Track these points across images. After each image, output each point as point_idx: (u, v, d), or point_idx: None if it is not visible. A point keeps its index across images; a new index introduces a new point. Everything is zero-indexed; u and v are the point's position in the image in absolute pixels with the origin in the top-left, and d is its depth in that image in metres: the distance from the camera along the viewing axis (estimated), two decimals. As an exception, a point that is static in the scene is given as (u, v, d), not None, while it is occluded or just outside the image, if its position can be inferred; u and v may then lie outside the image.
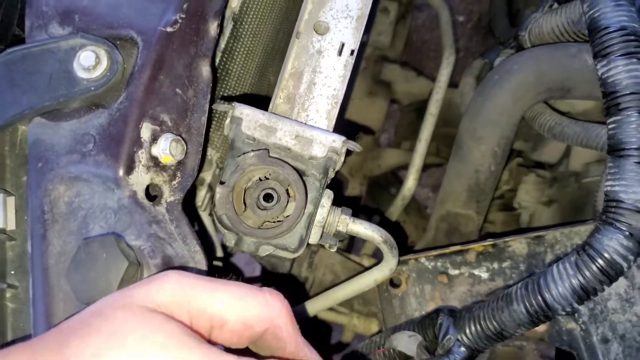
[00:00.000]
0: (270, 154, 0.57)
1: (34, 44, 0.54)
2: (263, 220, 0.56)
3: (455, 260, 0.78)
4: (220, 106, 0.57)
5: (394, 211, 1.20)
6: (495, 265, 0.78)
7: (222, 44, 0.71)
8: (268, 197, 0.55)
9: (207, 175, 0.76)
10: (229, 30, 0.72)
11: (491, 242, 0.78)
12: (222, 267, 0.68)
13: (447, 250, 0.78)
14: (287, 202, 0.56)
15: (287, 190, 0.56)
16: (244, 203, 0.56)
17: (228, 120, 0.58)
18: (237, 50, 0.76)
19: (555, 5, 0.92)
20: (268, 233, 0.55)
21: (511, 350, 0.76)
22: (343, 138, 0.58)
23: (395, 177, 1.53)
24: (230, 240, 0.56)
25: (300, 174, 0.57)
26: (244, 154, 0.56)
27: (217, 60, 0.70)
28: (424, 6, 2.02)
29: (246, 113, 0.58)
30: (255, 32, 0.80)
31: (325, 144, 0.58)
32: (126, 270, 0.44)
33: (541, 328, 0.76)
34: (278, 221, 0.56)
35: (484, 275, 0.78)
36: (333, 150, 0.58)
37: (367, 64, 1.39)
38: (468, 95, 1.00)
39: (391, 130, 1.67)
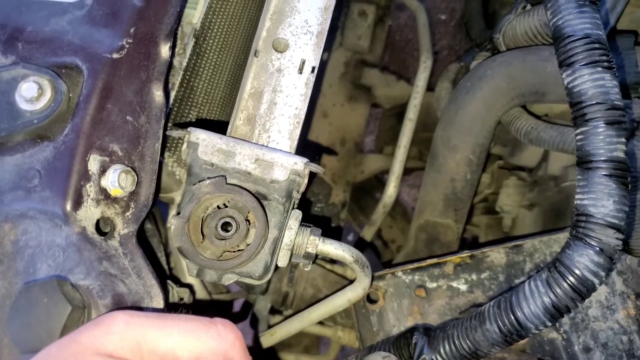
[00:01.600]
0: (230, 180, 0.55)
1: (-26, 76, 0.51)
2: (222, 250, 0.54)
3: (432, 273, 0.76)
4: (174, 132, 0.55)
5: (377, 218, 1.19)
6: (474, 276, 0.76)
7: (184, 63, 0.69)
8: (226, 226, 0.53)
9: (177, 195, 0.74)
10: (190, 47, 0.70)
11: (469, 254, 0.76)
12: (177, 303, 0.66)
13: (424, 264, 0.76)
14: (248, 229, 0.54)
15: (246, 217, 0.54)
16: (202, 233, 0.54)
17: (184, 146, 0.56)
18: (202, 66, 0.74)
19: (528, 6, 0.90)
20: (227, 264, 0.53)
21: (493, 363, 0.75)
22: (305, 160, 0.56)
23: (379, 182, 1.52)
24: (192, 271, 0.54)
25: (262, 199, 0.55)
26: (199, 181, 0.54)
27: (180, 79, 0.68)
28: (406, 6, 2.00)
29: (202, 138, 0.56)
30: (222, 47, 0.78)
31: (287, 167, 0.56)
32: (69, 316, 0.42)
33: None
34: (239, 250, 0.54)
35: (463, 287, 0.76)
36: (295, 173, 0.56)
37: (346, 69, 1.37)
38: (444, 100, 0.98)
39: (373, 135, 1.66)
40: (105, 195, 0.50)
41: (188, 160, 0.56)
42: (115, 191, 0.49)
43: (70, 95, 0.50)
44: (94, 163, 0.49)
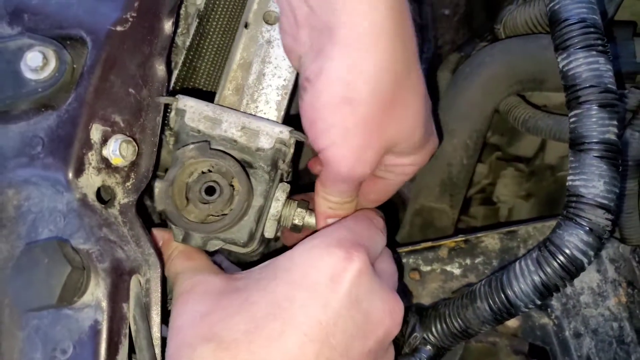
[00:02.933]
0: (216, 146, 0.56)
1: (-19, 45, 0.53)
2: (206, 214, 0.55)
3: (427, 257, 0.78)
4: (162, 98, 0.56)
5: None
6: (468, 261, 0.77)
7: (187, 42, 0.71)
8: (210, 191, 0.55)
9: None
10: (194, 27, 0.71)
11: (463, 238, 0.77)
12: None
13: (418, 247, 0.77)
14: (232, 195, 0.55)
15: (231, 183, 0.55)
16: (187, 198, 0.55)
17: (172, 113, 0.57)
18: (205, 47, 0.75)
19: (530, -3, 0.91)
20: (210, 227, 0.54)
21: (484, 347, 0.76)
22: (290, 128, 0.57)
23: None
24: (178, 236, 0.55)
25: (247, 167, 0.56)
26: (183, 146, 0.55)
27: (183, 58, 0.69)
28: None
29: (190, 105, 0.57)
30: (225, 30, 0.79)
31: (272, 135, 0.57)
32: (69, 275, 0.43)
33: (514, 324, 0.76)
34: (223, 214, 0.55)
35: (457, 271, 0.77)
36: (281, 142, 0.57)
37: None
38: (443, 88, 0.99)
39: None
40: (106, 165, 0.51)
41: (175, 128, 0.58)
42: (116, 160, 0.50)
43: (75, 66, 0.51)
44: (96, 132, 0.50)
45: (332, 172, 0.54)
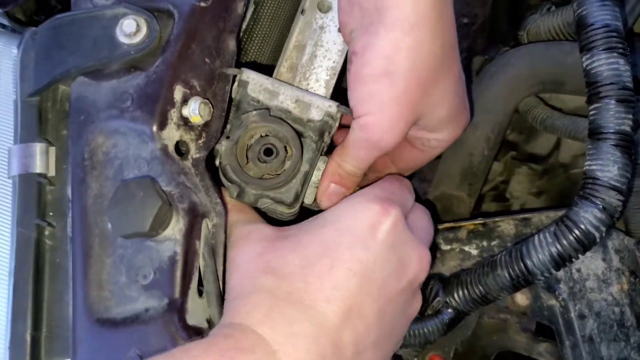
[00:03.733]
0: (272, 114, 0.63)
1: (80, 11, 0.60)
2: (263, 172, 0.62)
3: (447, 237, 0.84)
4: (230, 70, 0.63)
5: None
6: (485, 243, 0.84)
7: (244, 25, 0.78)
8: (268, 152, 0.62)
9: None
10: (250, 12, 0.78)
11: (482, 221, 0.84)
12: None
13: (440, 227, 0.84)
14: (285, 157, 0.62)
15: (285, 147, 0.62)
16: (247, 157, 0.63)
17: (236, 84, 0.65)
18: (256, 32, 0.83)
19: (553, 7, 0.99)
20: (266, 183, 0.62)
21: (496, 322, 0.83)
22: (337, 103, 0.65)
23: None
24: (233, 192, 0.62)
25: (299, 134, 0.63)
26: (247, 112, 0.62)
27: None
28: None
29: (252, 77, 0.64)
30: (273, 17, 0.86)
31: (322, 108, 0.64)
32: (160, 208, 0.50)
33: (524, 303, 0.82)
34: (276, 174, 0.63)
35: (474, 251, 0.84)
36: (329, 115, 0.64)
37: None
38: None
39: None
40: (184, 122, 0.58)
41: (237, 97, 0.65)
42: (194, 118, 0.57)
43: (162, 34, 0.59)
44: (178, 93, 0.57)
45: (362, 137, 0.61)
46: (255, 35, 0.83)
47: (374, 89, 0.58)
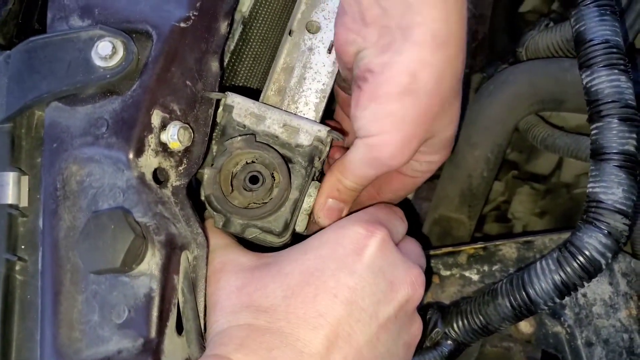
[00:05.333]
0: (258, 140, 0.60)
1: (55, 34, 0.57)
2: (249, 201, 0.59)
3: (447, 262, 0.81)
4: (213, 94, 0.61)
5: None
6: (486, 267, 0.81)
7: (232, 46, 0.75)
8: (254, 179, 0.59)
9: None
10: (239, 33, 0.76)
11: (482, 245, 0.81)
12: None
13: (439, 252, 0.81)
14: (272, 185, 0.59)
15: (272, 174, 0.59)
16: (231, 185, 0.60)
17: (221, 108, 0.62)
18: (246, 53, 0.80)
19: (551, 24, 0.96)
20: (252, 212, 0.59)
21: (499, 351, 0.79)
22: (328, 128, 0.62)
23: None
24: (219, 222, 0.59)
25: (287, 160, 0.60)
26: (231, 138, 0.59)
27: (226, 61, 0.74)
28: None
29: (237, 101, 0.62)
30: (264, 38, 0.84)
31: (311, 133, 0.61)
32: (132, 242, 0.47)
33: (528, 330, 0.79)
34: (263, 203, 0.60)
35: (475, 277, 0.81)
36: (318, 140, 0.61)
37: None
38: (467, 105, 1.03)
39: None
40: (163, 148, 0.55)
41: (222, 122, 0.62)
42: (173, 144, 0.55)
43: (139, 56, 0.56)
44: (156, 117, 0.55)
45: (369, 155, 0.59)
46: (245, 56, 0.80)
47: (393, 108, 0.55)
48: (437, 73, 0.54)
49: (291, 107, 0.69)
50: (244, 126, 0.61)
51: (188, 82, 0.58)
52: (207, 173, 0.59)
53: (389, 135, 0.56)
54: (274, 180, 0.60)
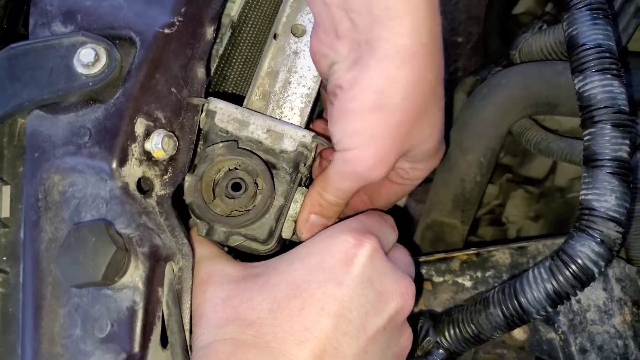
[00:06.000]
0: (242, 147, 0.59)
1: (36, 40, 0.56)
2: (231, 208, 0.58)
3: (439, 268, 0.80)
4: (195, 99, 0.59)
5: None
6: (479, 274, 0.79)
7: (220, 50, 0.74)
8: (236, 187, 0.58)
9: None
10: (227, 37, 0.75)
11: (475, 251, 0.80)
12: None
13: (431, 258, 0.80)
14: (255, 192, 0.58)
15: (255, 181, 0.58)
16: (214, 193, 0.59)
17: (203, 114, 0.61)
18: (235, 57, 0.79)
19: (545, 26, 0.96)
20: (234, 220, 0.57)
21: (492, 358, 0.78)
22: (312, 133, 0.61)
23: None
24: (202, 230, 0.58)
25: (271, 166, 0.59)
26: (213, 144, 0.58)
27: (215, 66, 0.73)
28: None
29: (220, 107, 0.61)
30: (254, 42, 0.83)
31: (295, 139, 0.60)
32: (114, 255, 0.46)
33: (522, 337, 0.78)
34: (246, 210, 0.58)
35: (468, 283, 0.80)
36: (303, 145, 0.60)
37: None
38: (459, 109, 1.02)
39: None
40: (147, 157, 0.54)
41: (205, 128, 0.61)
42: (157, 153, 0.53)
43: (123, 63, 0.55)
44: (140, 126, 0.54)
45: (346, 169, 0.58)
46: (234, 61, 0.79)
47: (362, 125, 0.54)
48: (405, 88, 0.53)
49: (276, 112, 0.68)
50: (227, 132, 0.60)
51: (173, 89, 0.57)
52: (188, 180, 0.57)
53: (362, 150, 0.55)
54: (257, 187, 0.59)
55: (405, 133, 0.55)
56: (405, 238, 1.05)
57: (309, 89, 0.67)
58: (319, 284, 0.51)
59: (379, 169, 0.57)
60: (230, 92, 0.80)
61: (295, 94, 0.67)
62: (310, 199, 0.62)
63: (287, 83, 0.68)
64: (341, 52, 0.55)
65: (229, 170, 0.59)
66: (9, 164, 0.58)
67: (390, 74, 0.52)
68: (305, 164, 0.61)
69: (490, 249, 0.79)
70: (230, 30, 0.76)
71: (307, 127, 0.67)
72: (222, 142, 0.59)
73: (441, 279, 0.80)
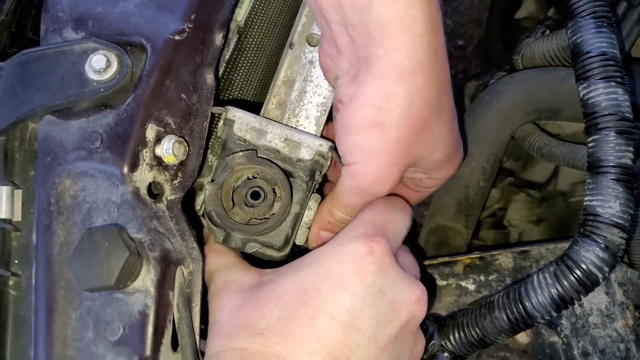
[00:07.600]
0: (260, 155, 0.60)
1: (48, 46, 0.57)
2: (250, 217, 0.59)
3: (443, 271, 0.81)
4: (214, 108, 0.60)
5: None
6: (482, 277, 0.80)
7: (227, 55, 0.75)
8: (255, 195, 0.59)
9: (206, 181, 0.79)
10: (234, 42, 0.76)
11: (478, 255, 0.80)
12: None
13: (435, 262, 0.81)
14: (274, 200, 0.59)
15: (273, 189, 0.59)
16: (233, 201, 0.59)
17: (221, 123, 0.62)
18: (241, 62, 0.80)
19: (547, 31, 0.96)
20: (254, 229, 0.58)
21: (495, 361, 0.79)
22: (330, 143, 0.62)
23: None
24: (219, 237, 0.59)
25: (288, 175, 0.60)
26: (233, 153, 0.59)
27: (221, 71, 0.73)
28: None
29: (238, 116, 0.61)
30: (259, 46, 0.84)
31: (312, 148, 0.61)
32: (127, 259, 0.47)
33: (525, 340, 0.78)
34: (264, 218, 0.59)
35: (471, 287, 0.80)
36: (320, 154, 0.61)
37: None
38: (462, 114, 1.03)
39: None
40: (158, 162, 0.55)
41: (223, 136, 0.62)
42: (168, 158, 0.54)
43: (134, 70, 0.55)
44: (151, 131, 0.54)
45: (351, 184, 0.58)
46: (240, 66, 0.80)
47: (361, 140, 0.55)
48: (404, 103, 0.53)
49: (292, 121, 0.68)
50: (245, 141, 0.61)
51: (183, 95, 0.58)
52: (208, 189, 0.58)
53: (363, 165, 0.56)
54: (275, 195, 0.60)
55: (407, 148, 0.56)
56: (410, 241, 1.06)
57: (324, 97, 0.68)
58: (329, 291, 0.51)
59: (382, 183, 0.57)
60: (236, 95, 0.81)
61: (311, 102, 0.68)
62: (320, 215, 0.63)
63: (303, 92, 0.69)
64: (342, 67, 0.56)
65: (248, 178, 0.60)
66: (20, 168, 0.59)
67: (388, 91, 0.52)
68: (321, 172, 0.62)
69: (494, 252, 0.80)
70: (237, 35, 0.76)
71: (323, 134, 0.68)
72: (241, 151, 0.59)
73: (445, 282, 0.81)
